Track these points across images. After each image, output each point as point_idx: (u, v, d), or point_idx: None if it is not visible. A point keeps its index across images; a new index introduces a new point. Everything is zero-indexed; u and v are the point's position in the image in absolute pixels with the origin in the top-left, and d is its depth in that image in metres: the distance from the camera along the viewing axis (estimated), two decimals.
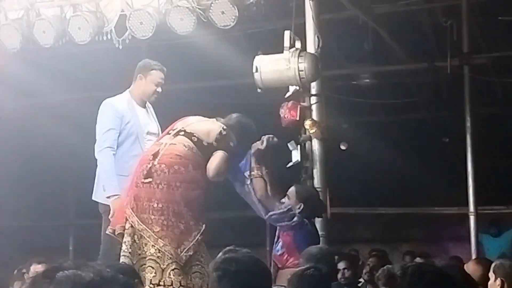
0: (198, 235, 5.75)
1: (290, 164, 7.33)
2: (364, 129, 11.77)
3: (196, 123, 6.09)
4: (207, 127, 6.03)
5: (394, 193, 13.21)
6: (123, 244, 5.75)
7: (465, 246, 12.25)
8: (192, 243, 5.71)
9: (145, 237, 5.71)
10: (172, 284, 5.62)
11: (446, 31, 9.23)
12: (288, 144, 7.32)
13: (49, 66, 9.83)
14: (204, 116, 6.25)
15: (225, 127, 5.97)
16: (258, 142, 6.34)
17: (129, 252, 5.72)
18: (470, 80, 9.46)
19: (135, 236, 5.74)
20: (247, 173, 6.36)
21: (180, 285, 5.66)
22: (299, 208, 6.20)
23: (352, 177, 12.69)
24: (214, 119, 6.15)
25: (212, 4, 7.04)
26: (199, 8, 7.13)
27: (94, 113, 11.04)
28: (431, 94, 10.27)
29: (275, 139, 6.44)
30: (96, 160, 6.74)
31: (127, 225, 5.79)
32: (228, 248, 3.50)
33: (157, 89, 6.62)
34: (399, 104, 11.02)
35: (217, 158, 5.84)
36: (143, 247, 5.73)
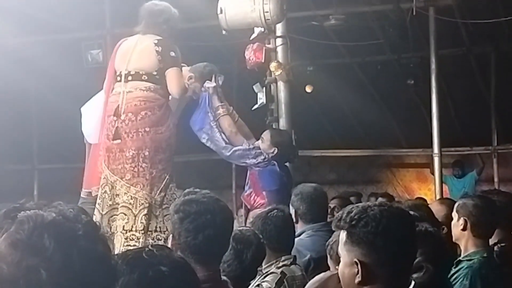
0: (167, 176, 5.77)
1: (256, 106, 7.32)
2: (329, 72, 11.75)
3: (134, 61, 5.87)
4: (141, 56, 5.85)
5: (359, 135, 13.29)
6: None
7: (429, 188, 12.45)
8: (162, 185, 5.75)
9: (118, 187, 5.72)
10: (143, 229, 5.63)
11: None
12: (253, 87, 7.30)
13: (5, 6, 9.61)
14: None
15: (155, 43, 5.79)
16: (208, 81, 6.29)
17: (98, 203, 5.73)
18: (435, 21, 9.46)
19: (107, 187, 5.75)
20: (210, 114, 6.30)
21: (153, 229, 5.68)
22: (272, 152, 6.22)
23: (317, 119, 12.74)
24: (139, 37, 5.97)
25: None
26: None
27: (55, 56, 10.96)
28: (396, 36, 10.25)
29: (222, 76, 6.41)
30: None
31: (102, 180, 5.78)
32: (187, 190, 3.49)
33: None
34: (364, 46, 11.00)
35: (172, 76, 5.75)
36: (115, 198, 5.73)
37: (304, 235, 5.07)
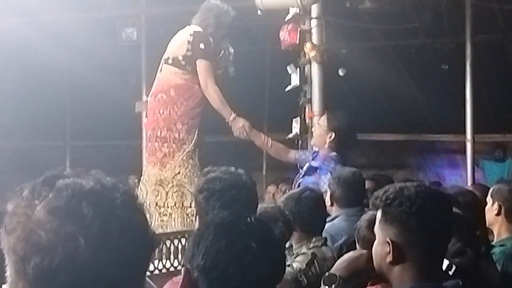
0: (183, 154, 5.91)
1: (289, 87, 7.31)
2: (362, 55, 11.67)
3: (170, 45, 6.20)
4: (177, 42, 6.14)
5: (391, 120, 13.21)
6: None
7: (460, 174, 12.35)
8: (176, 163, 5.96)
9: (145, 164, 6.18)
10: (174, 204, 5.92)
11: None
12: (287, 67, 7.28)
13: None
14: None
15: (191, 33, 6.05)
16: None
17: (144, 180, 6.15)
18: (471, 6, 9.35)
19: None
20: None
21: (187, 205, 5.87)
22: (330, 137, 6.18)
23: (349, 103, 12.67)
24: (187, 27, 6.20)
25: None
26: None
27: (91, 33, 11.00)
28: (432, 20, 10.15)
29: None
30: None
31: None
32: (206, 169, 3.52)
33: None
34: (399, 30, 10.90)
35: (199, 69, 5.98)
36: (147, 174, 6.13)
37: (338, 219, 5.05)
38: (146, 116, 6.45)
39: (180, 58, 6.03)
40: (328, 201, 5.09)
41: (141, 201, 1.57)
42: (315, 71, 7.18)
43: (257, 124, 12.83)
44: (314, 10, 7.13)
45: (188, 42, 6.02)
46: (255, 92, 12.84)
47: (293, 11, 7.10)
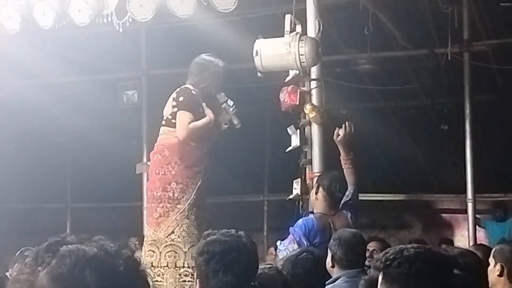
0: (177, 214, 5.92)
1: (289, 148, 7.32)
2: (362, 115, 11.72)
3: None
4: (168, 102, 6.35)
5: (391, 180, 13.21)
6: None
7: (462, 234, 12.30)
8: (169, 224, 6.06)
9: (145, 225, 6.50)
10: (166, 265, 5.99)
11: (446, 18, 9.19)
12: (288, 129, 7.31)
13: (49, 48, 9.79)
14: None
15: (177, 91, 6.29)
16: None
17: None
18: (470, 67, 9.44)
19: None
20: None
21: (180, 266, 5.85)
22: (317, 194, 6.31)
23: None
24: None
25: None
26: None
27: (93, 95, 11.09)
28: (431, 81, 10.23)
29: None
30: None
31: None
32: (206, 232, 3.53)
33: None
34: (398, 91, 10.99)
35: (178, 121, 6.18)
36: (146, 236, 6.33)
37: (339, 281, 5.01)
38: (147, 178, 6.65)
39: (170, 116, 6.22)
40: (329, 263, 5.07)
41: (144, 267, 1.58)
42: (315, 132, 7.20)
43: (258, 185, 12.95)
44: (314, 71, 7.18)
45: (173, 99, 6.23)
46: (256, 153, 12.88)
47: (292, 72, 7.15)
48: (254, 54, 6.88)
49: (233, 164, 12.29)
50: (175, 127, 6.15)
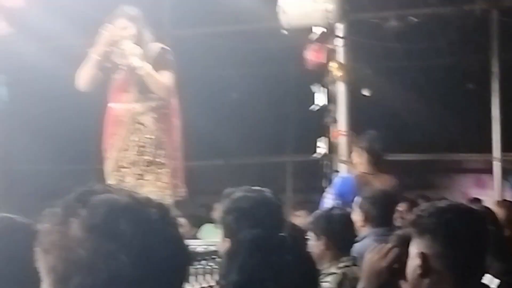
0: None
1: (314, 106, 7.27)
2: (387, 75, 11.63)
3: None
4: None
5: (416, 139, 13.11)
6: None
7: (489, 193, 12.22)
8: None
9: None
10: None
11: None
12: (312, 87, 7.25)
13: (69, 10, 9.73)
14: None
15: None
16: None
17: None
18: (498, 24, 9.28)
19: None
20: None
21: None
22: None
23: (374, 123, 12.58)
24: None
25: None
26: None
27: None
28: (458, 39, 10.09)
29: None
30: None
31: None
32: (226, 191, 3.49)
33: None
34: (425, 50, 10.85)
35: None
36: None
37: (367, 239, 4.96)
38: None
39: None
40: (359, 221, 5.02)
41: (173, 215, 1.54)
42: (341, 90, 7.13)
43: (280, 145, 12.89)
44: (340, 29, 7.09)
45: None
46: (278, 113, 12.82)
47: (318, 31, 7.07)
48: (279, 11, 6.80)
49: (255, 125, 12.24)
50: None
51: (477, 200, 8.40)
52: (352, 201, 5.68)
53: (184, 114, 11.26)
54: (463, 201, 10.57)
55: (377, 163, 6.19)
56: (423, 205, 2.64)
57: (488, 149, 9.49)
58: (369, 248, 2.84)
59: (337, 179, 6.22)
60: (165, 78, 5.67)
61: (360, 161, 6.20)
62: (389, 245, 2.76)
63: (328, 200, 5.91)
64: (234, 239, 3.26)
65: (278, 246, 2.07)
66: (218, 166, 12.28)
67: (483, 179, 12.95)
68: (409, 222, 2.63)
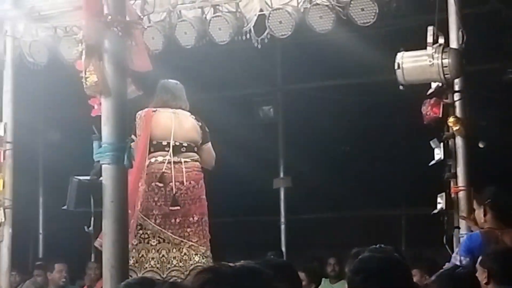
0: None
1: (433, 162, 7.19)
2: (504, 126, 11.39)
3: (184, 134, 6.71)
4: (194, 131, 6.78)
5: None
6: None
7: None
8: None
9: (184, 249, 6.68)
10: None
11: None
12: (431, 142, 7.18)
13: (188, 66, 10.02)
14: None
15: (198, 121, 6.87)
16: None
17: (157, 267, 6.59)
18: None
19: (164, 251, 6.62)
20: None
21: None
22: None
23: (491, 175, 12.30)
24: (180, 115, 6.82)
25: (351, 1, 7.03)
26: (338, 6, 7.14)
27: (224, 112, 11.24)
28: None
29: None
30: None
31: (157, 245, 6.66)
32: (354, 250, 3.50)
33: None
34: None
35: (209, 150, 6.92)
36: (172, 260, 6.63)
37: None
38: (175, 204, 6.83)
39: (198, 145, 6.78)
40: (483, 279, 4.91)
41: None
42: (459, 144, 7.04)
43: (396, 198, 12.74)
44: (457, 83, 7.03)
45: (200, 127, 6.82)
46: (390, 166, 12.70)
47: (434, 85, 7.03)
48: (396, 67, 6.80)
49: (369, 178, 12.16)
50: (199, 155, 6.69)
51: None
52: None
53: (296, 168, 11.37)
54: None
55: (504, 218, 6.03)
56: None
57: None
58: None
59: (465, 236, 6.10)
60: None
61: (485, 217, 6.06)
62: None
63: (455, 259, 5.80)
64: None
65: None
66: (331, 219, 12.24)
67: None
68: None
